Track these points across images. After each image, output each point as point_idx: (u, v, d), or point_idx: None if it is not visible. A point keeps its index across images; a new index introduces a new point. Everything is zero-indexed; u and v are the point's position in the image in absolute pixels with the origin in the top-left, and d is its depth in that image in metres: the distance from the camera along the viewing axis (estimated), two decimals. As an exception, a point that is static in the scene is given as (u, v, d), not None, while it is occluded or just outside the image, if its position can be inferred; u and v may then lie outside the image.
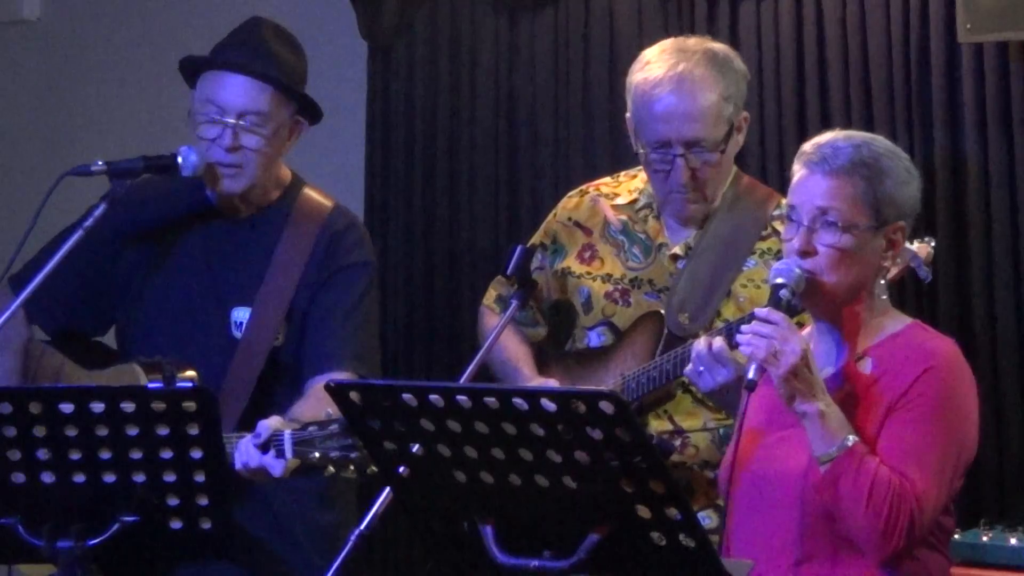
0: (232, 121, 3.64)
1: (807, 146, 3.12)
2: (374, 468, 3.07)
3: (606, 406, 2.52)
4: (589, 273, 3.84)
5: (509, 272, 3.47)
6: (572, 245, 3.88)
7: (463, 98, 5.57)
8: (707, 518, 3.63)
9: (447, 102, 5.60)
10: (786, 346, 2.96)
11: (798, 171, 3.11)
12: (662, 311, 3.73)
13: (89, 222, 3.57)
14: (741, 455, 3.12)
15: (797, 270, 3.05)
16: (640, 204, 3.86)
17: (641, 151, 3.74)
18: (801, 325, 3.23)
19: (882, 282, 3.12)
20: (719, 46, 3.78)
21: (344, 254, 3.74)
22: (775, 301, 3.03)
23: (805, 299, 3.09)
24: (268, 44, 3.70)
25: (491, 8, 5.52)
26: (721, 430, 3.70)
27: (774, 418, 3.11)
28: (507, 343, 3.91)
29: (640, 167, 3.87)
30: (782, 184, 3.91)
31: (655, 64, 3.71)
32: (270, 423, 3.41)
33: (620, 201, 3.89)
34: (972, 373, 3.12)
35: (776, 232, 3.74)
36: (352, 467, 3.35)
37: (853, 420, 3.01)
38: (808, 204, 3.06)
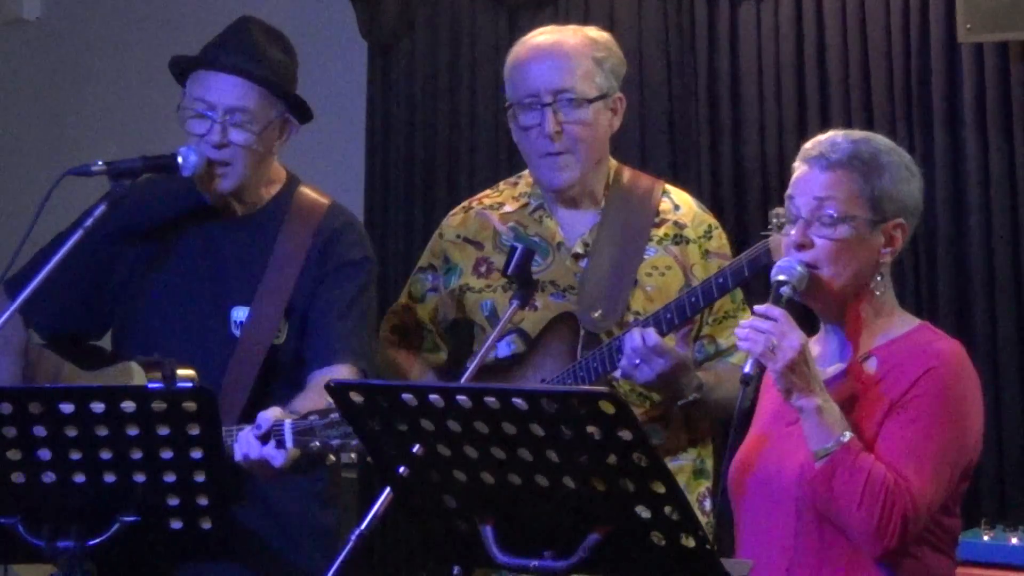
0: (220, 117, 3.64)
1: (808, 144, 3.14)
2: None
3: (606, 406, 2.52)
4: (489, 286, 3.82)
5: (509, 272, 3.47)
6: (466, 261, 3.87)
7: (463, 98, 5.57)
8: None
9: (447, 102, 5.60)
10: (784, 341, 2.96)
11: (798, 167, 3.12)
12: (573, 311, 3.73)
13: (89, 222, 3.57)
14: (747, 457, 3.13)
15: (800, 267, 3.05)
16: (531, 207, 3.86)
17: (514, 121, 3.77)
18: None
19: (879, 278, 3.12)
20: (597, 29, 3.89)
21: (342, 251, 3.75)
22: (775, 297, 3.03)
23: (807, 297, 3.10)
24: (257, 43, 3.70)
25: (491, 8, 5.53)
26: (650, 424, 3.69)
27: (779, 418, 3.12)
28: (411, 371, 3.92)
29: (519, 175, 3.92)
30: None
31: (533, 36, 3.85)
32: (270, 414, 3.41)
33: (507, 209, 3.89)
34: (977, 375, 3.11)
35: (667, 220, 3.81)
36: (354, 456, 3.36)
37: (854, 419, 3.01)
38: (806, 197, 3.07)
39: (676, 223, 3.81)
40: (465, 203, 3.98)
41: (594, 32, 3.85)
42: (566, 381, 3.66)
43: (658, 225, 3.80)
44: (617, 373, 3.60)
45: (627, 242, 3.77)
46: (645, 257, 3.78)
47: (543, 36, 3.82)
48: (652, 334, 3.49)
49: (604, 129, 3.78)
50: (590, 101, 3.73)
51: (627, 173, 3.89)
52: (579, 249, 3.79)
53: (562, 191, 3.79)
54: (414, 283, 3.97)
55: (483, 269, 3.85)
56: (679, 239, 3.80)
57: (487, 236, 3.87)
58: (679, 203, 3.85)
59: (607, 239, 3.78)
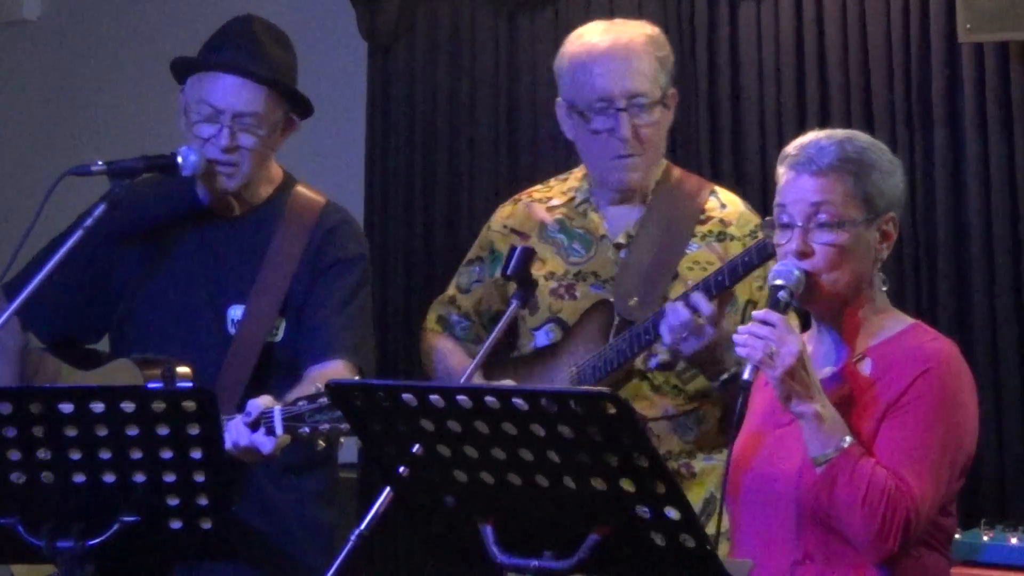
0: (228, 122, 3.64)
1: (790, 148, 3.13)
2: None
3: (607, 406, 2.52)
4: None
5: (509, 272, 3.48)
6: None
7: (463, 98, 5.57)
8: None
9: (447, 102, 5.60)
10: (783, 347, 2.96)
11: (784, 174, 3.11)
12: (610, 299, 3.76)
13: (89, 222, 3.57)
14: (741, 456, 3.12)
15: (796, 272, 3.05)
16: (577, 200, 3.90)
17: (580, 122, 3.78)
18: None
19: (880, 273, 3.12)
20: (650, 26, 3.89)
21: (338, 248, 3.75)
22: (773, 303, 3.03)
23: (805, 301, 3.09)
24: (260, 42, 3.70)
25: (491, 8, 5.52)
26: (682, 417, 3.70)
27: (773, 418, 3.12)
28: (451, 358, 3.95)
29: (568, 172, 3.96)
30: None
31: (591, 34, 3.82)
32: (260, 401, 3.42)
33: (554, 203, 3.93)
34: (972, 374, 3.12)
35: (712, 217, 3.82)
36: (343, 440, 3.36)
37: (851, 421, 3.00)
38: (801, 204, 3.06)
39: (721, 220, 3.83)
40: (516, 196, 4.03)
41: (649, 28, 3.86)
42: (595, 364, 3.69)
43: (703, 222, 3.83)
44: (658, 350, 3.63)
45: (670, 235, 3.80)
46: (687, 252, 3.80)
47: (605, 35, 3.81)
48: (705, 303, 3.51)
49: (665, 127, 3.84)
50: (657, 103, 3.77)
51: (677, 172, 3.93)
52: (621, 240, 3.83)
53: (629, 190, 3.82)
54: (461, 275, 4.02)
55: None
56: (723, 236, 3.81)
57: (533, 227, 3.91)
58: (726, 202, 3.87)
59: (650, 231, 3.81)
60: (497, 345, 3.92)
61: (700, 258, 3.78)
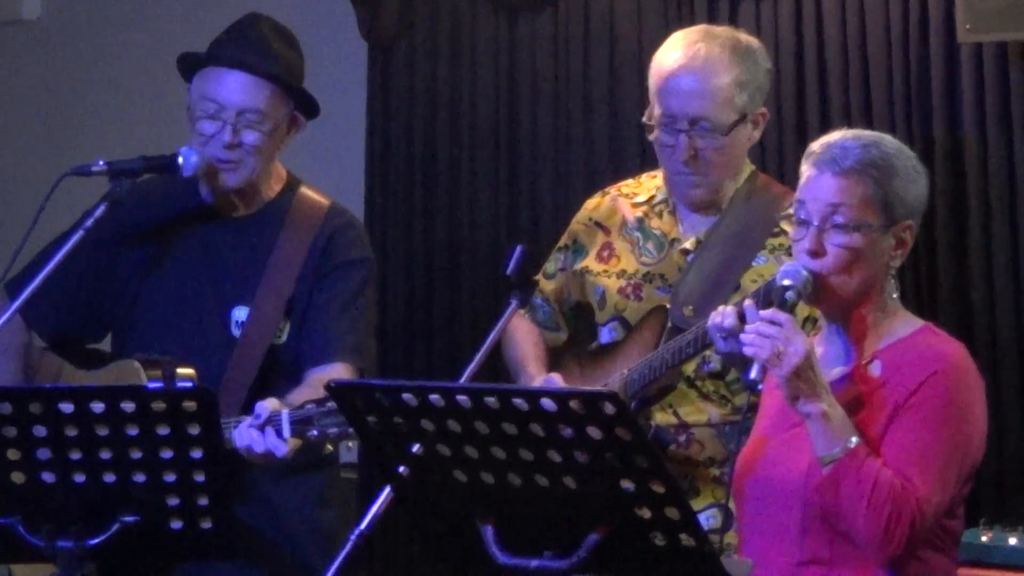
0: (232, 118, 3.64)
1: (815, 146, 3.11)
2: None
3: (606, 406, 2.52)
4: (606, 271, 3.85)
5: (509, 272, 3.47)
6: (592, 245, 3.90)
7: (463, 98, 5.57)
8: (711, 518, 3.62)
9: (447, 102, 5.60)
10: (790, 347, 2.95)
11: (807, 171, 3.10)
12: (667, 305, 3.74)
13: (90, 222, 3.57)
14: (749, 457, 3.13)
15: (804, 272, 3.04)
16: (657, 200, 3.86)
17: (654, 132, 3.75)
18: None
19: (888, 280, 3.12)
20: (747, 37, 3.80)
21: (342, 251, 3.75)
22: (781, 303, 3.03)
23: (813, 301, 3.09)
24: (266, 40, 3.70)
25: (491, 8, 5.52)
26: (727, 427, 3.69)
27: (781, 420, 3.11)
28: (521, 342, 3.94)
29: (659, 169, 3.89)
30: (782, 183, 3.92)
31: (678, 42, 3.76)
32: (268, 404, 3.42)
33: (640, 199, 3.90)
34: (980, 377, 3.11)
35: (785, 231, 3.71)
36: (351, 444, 3.36)
37: (860, 423, 3.00)
38: (818, 203, 3.05)
39: None
40: (606, 188, 4.00)
41: (743, 43, 3.75)
42: (642, 371, 3.66)
43: (776, 235, 3.74)
44: (711, 357, 3.59)
45: (739, 246, 3.75)
46: (753, 264, 3.73)
47: (691, 48, 3.71)
48: (755, 311, 3.41)
49: (742, 147, 3.76)
50: (728, 129, 3.69)
51: (761, 179, 3.86)
52: (689, 245, 3.79)
53: (694, 206, 3.79)
54: (549, 260, 4.00)
55: (605, 254, 3.87)
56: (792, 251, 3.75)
57: (615, 222, 3.89)
58: None
59: (719, 240, 3.76)
60: (573, 340, 3.94)
61: (765, 272, 3.67)
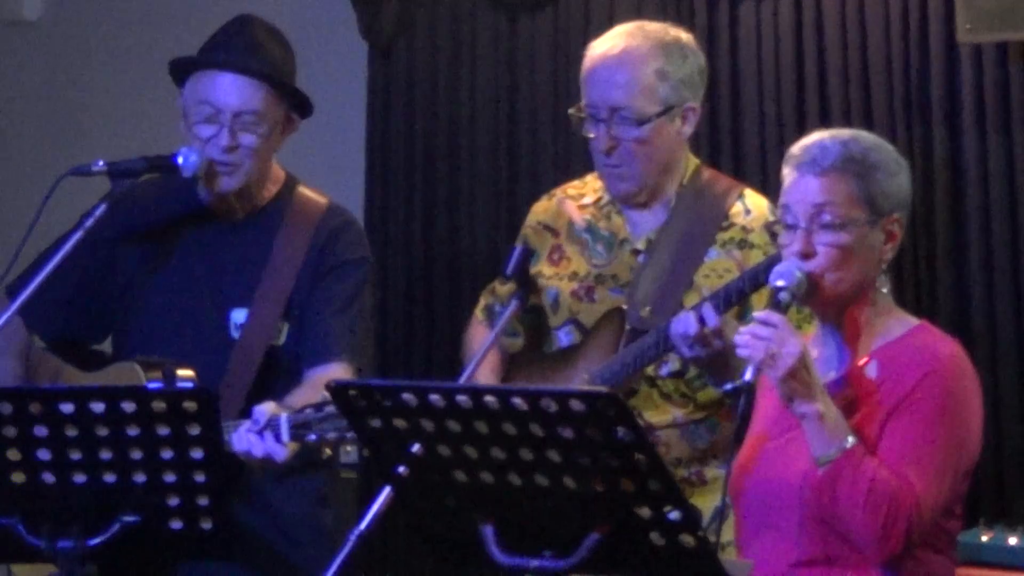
0: (228, 121, 3.64)
1: (794, 149, 3.12)
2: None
3: (606, 406, 2.52)
4: (557, 274, 3.83)
5: (509, 272, 3.47)
6: (543, 248, 3.88)
7: (463, 98, 5.57)
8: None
9: (447, 102, 5.60)
10: (784, 348, 2.95)
11: (788, 175, 3.10)
12: (624, 307, 3.73)
13: (90, 222, 3.57)
14: (747, 458, 3.13)
15: (798, 273, 3.04)
16: (604, 201, 3.84)
17: (582, 125, 3.74)
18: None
19: (882, 276, 3.12)
20: (678, 32, 3.78)
21: (340, 251, 3.75)
22: (774, 303, 3.03)
23: (808, 302, 3.09)
24: (259, 41, 3.70)
25: (491, 8, 5.53)
26: (692, 426, 3.69)
27: (778, 421, 3.11)
28: (475, 355, 3.92)
29: None
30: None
31: (608, 34, 3.76)
32: (266, 408, 3.42)
33: (586, 201, 3.88)
34: (976, 376, 3.11)
35: (735, 224, 3.74)
36: (350, 449, 3.36)
37: (856, 424, 3.00)
38: (804, 205, 3.06)
39: (743, 227, 3.73)
40: (553, 190, 3.99)
41: (671, 37, 3.74)
42: (604, 375, 3.65)
43: (725, 228, 3.74)
44: (669, 357, 3.59)
45: (689, 243, 3.73)
46: (705, 260, 3.72)
47: (613, 41, 3.72)
48: (713, 314, 3.43)
49: (667, 141, 3.72)
50: (648, 119, 3.67)
51: (707, 174, 3.84)
52: (640, 245, 3.78)
53: (622, 200, 3.79)
54: (504, 264, 3.98)
55: (556, 257, 3.86)
56: (743, 244, 3.73)
57: (563, 224, 3.88)
58: (751, 208, 3.76)
59: (669, 238, 3.75)
60: (530, 344, 3.94)
61: (718, 267, 3.71)
